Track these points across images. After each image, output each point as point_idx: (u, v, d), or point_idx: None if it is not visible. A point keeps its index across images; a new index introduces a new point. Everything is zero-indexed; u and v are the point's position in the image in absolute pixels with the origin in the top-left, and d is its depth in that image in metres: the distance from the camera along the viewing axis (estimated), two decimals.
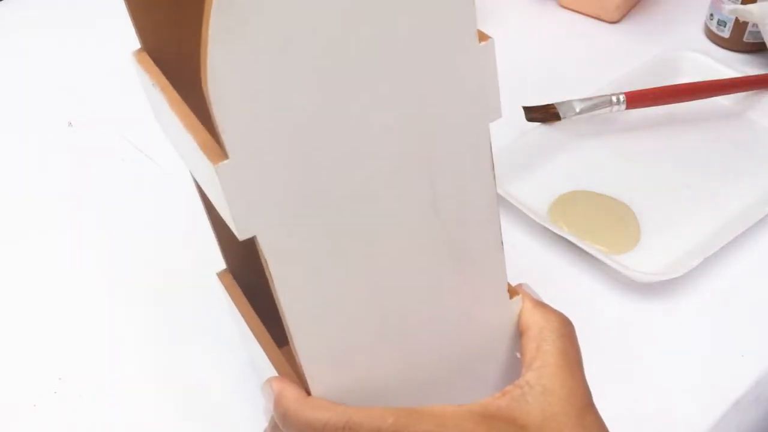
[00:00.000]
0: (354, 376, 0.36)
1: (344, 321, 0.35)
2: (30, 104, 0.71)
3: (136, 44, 0.42)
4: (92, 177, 0.63)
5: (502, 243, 0.37)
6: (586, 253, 0.55)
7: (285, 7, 0.27)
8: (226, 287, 0.45)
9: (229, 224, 0.31)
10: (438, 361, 0.38)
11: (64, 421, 0.48)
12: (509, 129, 0.64)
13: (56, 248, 0.58)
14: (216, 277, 0.45)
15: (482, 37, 0.32)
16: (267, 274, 0.32)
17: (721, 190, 0.61)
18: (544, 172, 0.63)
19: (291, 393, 0.35)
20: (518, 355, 0.39)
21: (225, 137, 0.29)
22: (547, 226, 0.56)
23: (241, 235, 0.31)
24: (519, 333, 0.39)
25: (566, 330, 0.37)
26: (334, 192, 0.32)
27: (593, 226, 0.59)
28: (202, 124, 0.31)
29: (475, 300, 0.38)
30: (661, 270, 0.54)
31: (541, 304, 0.39)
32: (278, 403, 0.35)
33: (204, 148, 0.30)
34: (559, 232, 0.55)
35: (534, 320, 0.38)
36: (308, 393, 0.35)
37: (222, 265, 0.45)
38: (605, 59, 0.74)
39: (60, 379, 0.50)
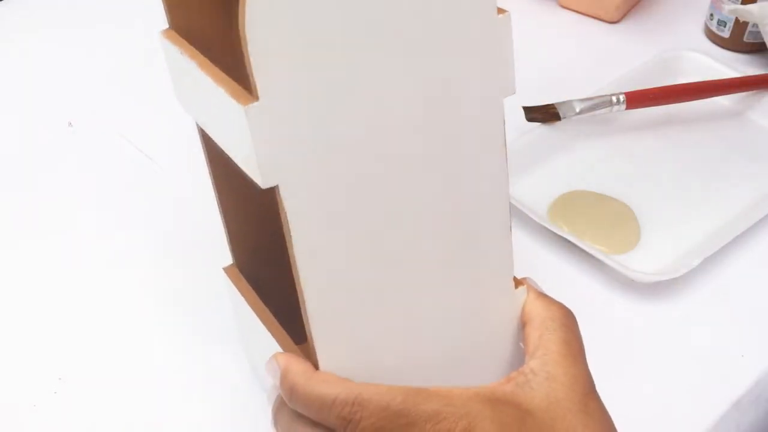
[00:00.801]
0: (362, 354, 0.36)
1: (355, 292, 0.35)
2: (30, 104, 0.71)
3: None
4: (92, 177, 0.63)
5: (510, 229, 0.38)
6: (586, 253, 0.55)
7: None
8: (234, 281, 0.45)
9: (252, 173, 0.32)
10: (443, 346, 0.38)
11: (64, 421, 0.48)
12: (509, 129, 0.64)
13: (56, 248, 0.58)
14: (221, 273, 0.45)
15: (500, 10, 0.33)
16: (284, 230, 0.33)
17: (721, 190, 0.61)
18: (544, 172, 0.63)
19: (298, 367, 0.35)
20: (521, 344, 0.40)
21: (257, 76, 0.30)
22: (547, 226, 0.56)
23: (265, 182, 0.31)
24: (522, 323, 0.39)
25: (568, 320, 0.38)
26: (356, 156, 0.33)
27: (593, 226, 0.59)
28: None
29: (482, 286, 0.38)
30: (661, 270, 0.54)
31: (543, 296, 0.39)
32: (285, 378, 0.35)
33: (234, 94, 0.31)
34: (559, 232, 0.55)
35: (537, 311, 0.38)
36: (316, 368, 0.35)
37: (223, 263, 0.45)
38: (605, 59, 0.74)
39: (60, 379, 0.50)
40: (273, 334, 0.40)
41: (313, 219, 0.33)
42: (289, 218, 0.32)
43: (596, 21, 0.80)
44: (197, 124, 0.40)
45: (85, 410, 0.48)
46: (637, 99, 0.65)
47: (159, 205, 0.61)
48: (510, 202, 0.39)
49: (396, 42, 0.31)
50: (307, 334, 0.35)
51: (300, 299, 0.34)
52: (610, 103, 0.64)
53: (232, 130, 0.32)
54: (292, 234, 0.32)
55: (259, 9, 0.28)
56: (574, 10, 0.81)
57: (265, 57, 0.29)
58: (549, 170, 0.63)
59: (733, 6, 0.70)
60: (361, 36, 0.31)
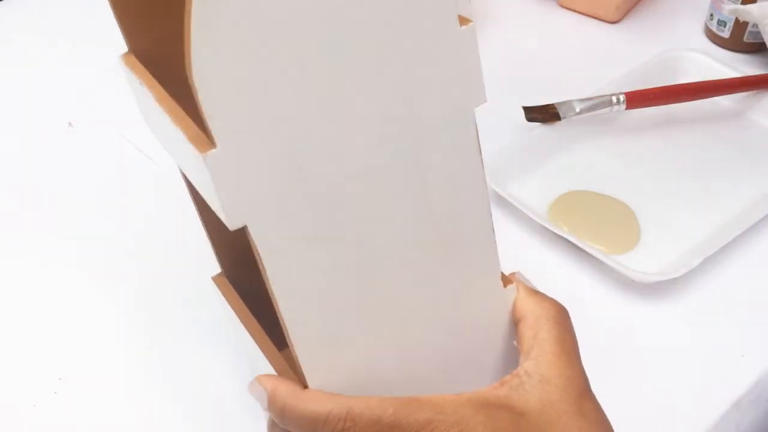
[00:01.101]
0: (350, 369, 0.36)
1: (338, 311, 0.35)
2: (30, 104, 0.71)
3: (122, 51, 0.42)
4: (92, 177, 0.63)
5: (493, 230, 0.37)
6: (586, 253, 0.55)
7: None
8: (222, 290, 0.45)
9: (219, 215, 0.32)
10: (434, 352, 0.38)
11: (64, 421, 0.48)
12: (509, 129, 0.64)
13: (56, 248, 0.58)
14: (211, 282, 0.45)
15: (463, 21, 0.32)
16: (259, 265, 0.32)
17: (721, 190, 0.61)
18: (544, 172, 0.63)
19: (285, 388, 0.35)
20: (515, 343, 0.39)
21: (211, 124, 0.29)
22: (547, 226, 0.56)
23: (232, 225, 0.31)
24: (514, 321, 0.39)
25: (562, 317, 0.38)
26: (322, 181, 0.32)
27: (593, 226, 0.59)
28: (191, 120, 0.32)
29: (469, 288, 0.38)
30: (661, 270, 0.54)
31: (535, 292, 0.39)
32: (273, 400, 0.35)
33: (192, 139, 0.30)
34: (559, 232, 0.55)
35: (529, 308, 0.38)
36: (305, 387, 0.35)
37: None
38: (605, 59, 0.74)
39: (60, 379, 0.50)
40: (259, 345, 0.40)
41: (286, 251, 0.32)
42: (261, 255, 0.32)
43: (596, 21, 0.80)
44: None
45: (85, 410, 0.48)
46: (637, 99, 0.65)
47: (159, 205, 0.61)
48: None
49: (356, 63, 0.31)
50: (293, 355, 0.35)
51: (281, 323, 0.34)
52: (610, 103, 0.64)
53: (195, 169, 0.32)
54: (266, 270, 0.32)
55: (207, 56, 0.27)
56: (574, 10, 0.81)
57: (218, 103, 0.28)
58: (549, 170, 0.63)
59: (733, 6, 0.70)
60: (320, 64, 0.30)
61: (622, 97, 0.64)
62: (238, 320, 0.42)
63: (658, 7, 0.82)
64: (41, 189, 0.63)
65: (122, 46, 0.37)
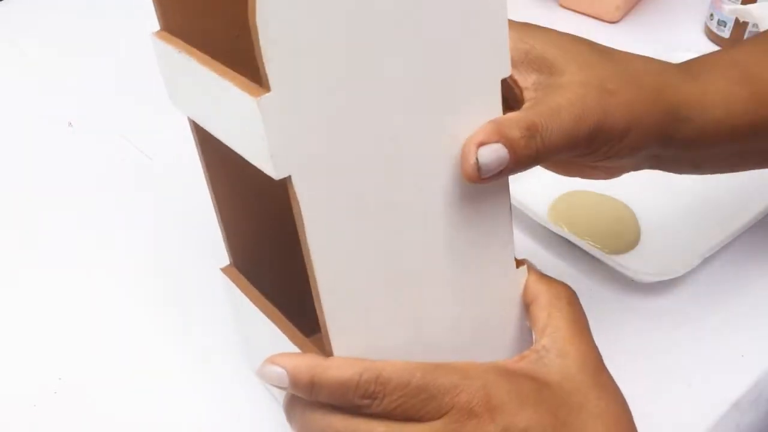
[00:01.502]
0: (373, 339, 0.37)
1: (367, 276, 0.35)
2: (30, 104, 0.71)
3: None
4: (92, 177, 0.63)
5: (510, 209, 0.39)
6: (586, 253, 0.55)
7: None
8: (234, 281, 0.45)
9: (264, 165, 0.32)
10: (451, 328, 0.39)
11: (64, 421, 0.48)
12: None
13: (56, 248, 0.58)
14: (219, 273, 0.45)
15: None
16: (298, 222, 0.33)
17: (721, 190, 0.61)
18: (544, 172, 0.62)
19: (307, 361, 0.35)
20: (527, 323, 0.41)
21: (269, 67, 0.30)
22: (547, 226, 0.56)
23: (278, 173, 0.32)
24: (526, 303, 0.40)
25: (573, 298, 0.39)
26: (361, 139, 0.33)
27: (593, 226, 0.59)
28: None
29: (487, 265, 0.39)
30: (661, 270, 0.54)
31: (545, 276, 0.40)
32: (298, 375, 0.35)
33: (243, 87, 0.31)
34: (559, 232, 0.55)
35: (541, 290, 0.39)
36: (329, 355, 0.36)
37: (223, 263, 0.45)
38: None
39: (60, 379, 0.50)
40: (281, 329, 0.40)
41: (325, 208, 0.33)
42: (302, 208, 0.32)
43: (596, 21, 0.80)
44: (192, 125, 0.39)
45: (85, 410, 0.48)
46: None
47: (159, 205, 0.61)
48: (510, 202, 0.39)
49: (399, 26, 0.32)
50: (321, 321, 0.35)
51: (312, 287, 0.34)
52: None
53: (241, 124, 0.32)
54: (305, 224, 0.33)
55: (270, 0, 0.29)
56: (575, 10, 0.81)
57: (275, 45, 0.29)
58: (549, 170, 0.63)
59: (733, 6, 0.70)
60: (368, 22, 0.31)
61: None
62: (254, 307, 0.42)
63: (658, 7, 0.82)
64: (41, 189, 0.63)
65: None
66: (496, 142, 0.35)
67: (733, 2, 0.72)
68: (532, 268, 0.40)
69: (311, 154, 0.32)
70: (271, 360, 0.36)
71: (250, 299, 0.43)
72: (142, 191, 0.63)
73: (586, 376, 0.37)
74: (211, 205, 0.43)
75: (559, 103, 0.38)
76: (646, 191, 0.61)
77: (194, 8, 0.38)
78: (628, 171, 0.45)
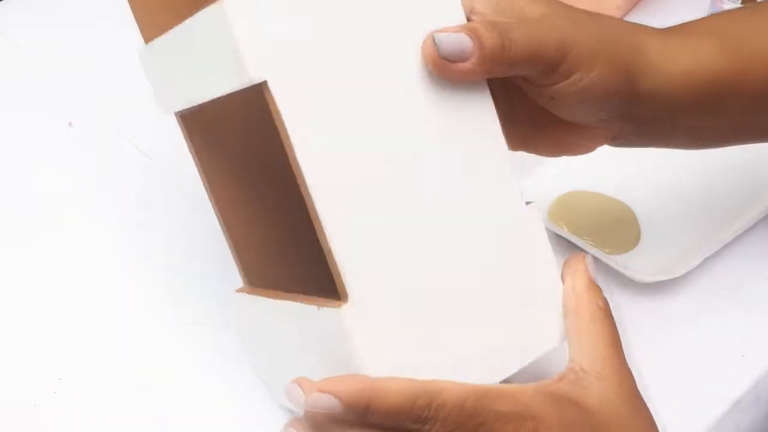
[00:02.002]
0: (392, 292, 0.37)
1: (371, 210, 0.37)
2: (30, 104, 0.71)
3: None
4: (92, 177, 0.63)
5: (501, 135, 0.41)
6: (586, 253, 0.54)
7: None
8: (254, 294, 0.44)
9: (237, 69, 0.33)
10: (467, 278, 0.39)
11: (64, 421, 0.48)
12: None
13: (56, 248, 0.58)
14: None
15: None
16: (287, 147, 0.34)
17: (720, 190, 0.61)
18: (544, 172, 0.62)
19: (359, 385, 0.34)
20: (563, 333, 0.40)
21: None
22: (547, 226, 0.56)
23: (254, 75, 0.33)
24: (566, 310, 0.40)
25: (609, 313, 0.39)
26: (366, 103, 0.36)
27: (593, 226, 0.59)
28: None
29: (489, 200, 0.41)
30: (661, 270, 0.54)
31: (593, 286, 0.40)
32: (354, 401, 0.34)
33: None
34: (559, 232, 0.55)
35: (586, 302, 0.39)
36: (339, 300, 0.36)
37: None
38: None
39: (60, 379, 0.50)
40: (314, 303, 0.40)
41: (313, 118, 0.35)
42: (284, 118, 0.34)
43: None
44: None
45: (85, 410, 0.48)
46: None
47: (159, 205, 0.61)
48: (499, 127, 0.42)
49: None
50: (333, 269, 0.36)
51: (318, 230, 0.35)
52: None
53: (217, 31, 0.34)
54: (293, 143, 0.34)
55: None
56: None
57: None
58: (549, 170, 0.63)
59: (733, 5, 0.70)
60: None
61: None
62: (278, 300, 0.42)
63: (658, 6, 0.82)
64: (41, 189, 0.63)
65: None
66: (458, 32, 0.38)
67: (733, 2, 0.72)
68: (583, 273, 0.40)
69: (289, 59, 0.34)
70: (321, 388, 0.35)
71: (274, 298, 0.42)
72: (143, 191, 0.63)
73: (624, 401, 0.37)
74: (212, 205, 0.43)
75: (527, 14, 0.39)
76: (646, 191, 0.61)
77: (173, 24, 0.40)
78: (607, 135, 0.45)
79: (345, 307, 0.35)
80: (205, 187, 0.44)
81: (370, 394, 0.34)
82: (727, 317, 0.52)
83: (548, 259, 0.41)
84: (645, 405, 0.38)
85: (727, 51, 0.43)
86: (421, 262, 0.38)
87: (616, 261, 0.53)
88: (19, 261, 0.57)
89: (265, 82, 0.33)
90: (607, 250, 0.56)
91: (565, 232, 0.55)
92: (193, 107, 0.41)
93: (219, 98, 0.38)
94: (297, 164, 0.34)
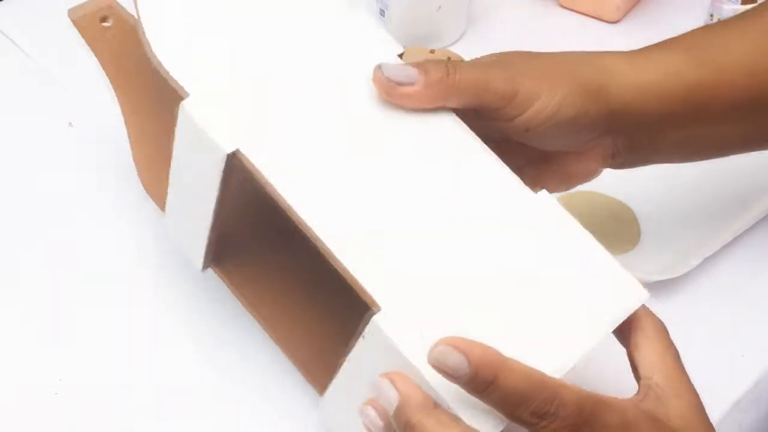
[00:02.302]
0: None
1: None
2: (30, 104, 0.71)
3: None
4: (92, 177, 0.63)
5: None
6: None
7: None
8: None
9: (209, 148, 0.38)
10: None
11: (64, 421, 0.48)
12: None
13: (56, 248, 0.58)
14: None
15: None
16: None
17: (720, 190, 0.61)
18: None
19: (491, 355, 0.33)
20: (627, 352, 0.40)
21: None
22: None
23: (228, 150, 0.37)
24: (630, 329, 0.39)
25: (669, 335, 0.39)
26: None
27: (593, 226, 0.58)
28: None
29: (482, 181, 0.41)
30: (661, 270, 0.54)
31: (645, 306, 0.40)
32: (484, 368, 0.32)
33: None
34: None
35: (650, 319, 0.39)
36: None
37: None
38: None
39: (60, 379, 0.50)
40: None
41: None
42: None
43: (596, 21, 0.80)
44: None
45: (85, 410, 0.48)
46: None
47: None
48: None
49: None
50: (356, 288, 0.36)
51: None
52: None
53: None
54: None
55: None
56: (575, 10, 0.81)
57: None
58: None
59: (732, 6, 0.70)
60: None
61: None
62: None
63: (658, 7, 0.81)
64: (41, 189, 0.63)
65: None
66: (404, 65, 0.40)
67: (732, 2, 0.72)
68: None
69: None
70: (453, 343, 0.33)
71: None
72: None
73: (700, 421, 0.37)
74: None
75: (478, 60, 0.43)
76: (646, 191, 0.61)
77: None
78: (606, 155, 0.46)
79: (380, 314, 0.35)
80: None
81: (499, 367, 0.32)
82: (727, 317, 0.53)
83: (580, 237, 0.41)
84: (712, 425, 0.38)
85: (699, 62, 0.44)
86: (437, 261, 0.37)
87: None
88: (19, 261, 0.57)
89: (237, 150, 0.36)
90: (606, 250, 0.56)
91: None
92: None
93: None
94: (293, 212, 0.36)
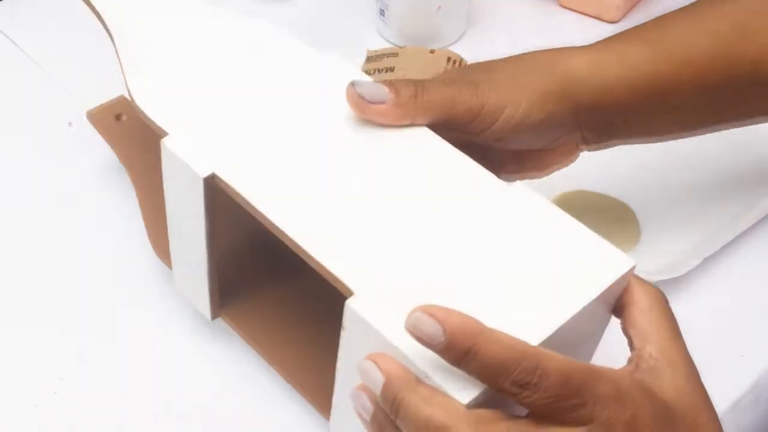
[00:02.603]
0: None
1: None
2: (30, 104, 0.71)
3: None
4: (92, 177, 0.63)
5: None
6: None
7: None
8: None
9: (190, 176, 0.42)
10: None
11: (64, 421, 0.48)
12: None
13: (56, 248, 0.58)
14: None
15: None
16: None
17: (721, 190, 0.61)
18: None
19: (470, 323, 0.32)
20: (623, 326, 0.39)
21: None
22: None
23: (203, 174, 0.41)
24: (623, 304, 0.39)
25: (667, 303, 0.39)
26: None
27: (593, 226, 0.58)
28: None
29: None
30: (661, 270, 0.54)
31: (640, 278, 0.40)
32: (460, 336, 0.31)
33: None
34: None
35: (639, 292, 0.39)
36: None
37: None
38: None
39: (60, 379, 0.50)
40: None
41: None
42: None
43: (597, 21, 0.80)
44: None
45: (85, 410, 0.48)
46: None
47: None
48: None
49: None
50: (331, 280, 0.37)
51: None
52: None
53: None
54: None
55: None
56: (575, 10, 0.81)
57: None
58: None
59: None
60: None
61: None
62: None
63: (658, 7, 0.81)
64: (41, 189, 0.63)
65: None
66: (377, 83, 0.42)
67: None
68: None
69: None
70: (428, 311, 0.32)
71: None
72: None
73: (696, 392, 0.36)
74: None
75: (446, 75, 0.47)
76: (646, 191, 0.61)
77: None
78: (577, 143, 0.49)
79: (352, 298, 0.36)
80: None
81: (476, 336, 0.32)
82: (727, 317, 0.53)
83: (559, 217, 0.41)
84: (708, 395, 0.37)
85: (661, 56, 0.47)
86: (411, 250, 0.38)
87: None
88: (19, 261, 0.57)
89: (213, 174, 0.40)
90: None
91: None
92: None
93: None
94: (266, 219, 0.39)
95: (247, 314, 0.48)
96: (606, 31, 0.78)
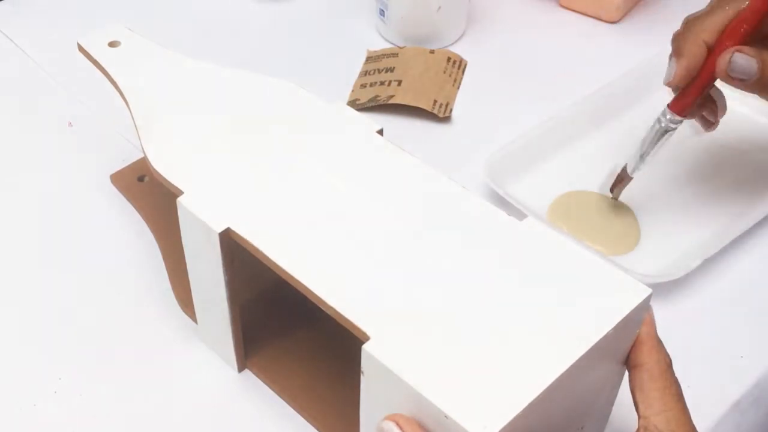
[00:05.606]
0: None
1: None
2: (30, 104, 0.71)
3: None
4: (92, 177, 0.63)
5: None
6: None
7: None
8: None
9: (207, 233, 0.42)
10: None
11: (64, 421, 0.48)
12: (509, 129, 0.64)
13: (56, 248, 0.58)
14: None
15: None
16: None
17: (721, 191, 0.61)
18: (544, 172, 0.63)
19: None
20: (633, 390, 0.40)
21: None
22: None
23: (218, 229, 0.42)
24: (632, 364, 0.40)
25: (672, 367, 0.39)
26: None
27: (593, 226, 0.59)
28: None
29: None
30: (660, 271, 0.54)
31: (657, 340, 0.40)
32: None
33: None
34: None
35: (654, 358, 0.39)
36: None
37: None
38: (605, 59, 0.74)
39: (60, 379, 0.50)
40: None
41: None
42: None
43: (596, 21, 0.80)
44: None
45: (85, 410, 0.48)
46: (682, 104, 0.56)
47: None
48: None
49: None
50: (347, 325, 0.38)
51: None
52: (660, 123, 0.56)
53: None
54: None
55: None
56: (575, 10, 0.81)
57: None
58: (549, 170, 0.63)
59: None
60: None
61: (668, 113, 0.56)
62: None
63: (658, 7, 0.82)
64: (41, 189, 0.63)
65: None
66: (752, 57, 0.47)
67: None
68: (648, 325, 0.40)
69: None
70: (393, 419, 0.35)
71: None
72: None
73: None
74: None
75: None
76: (647, 192, 0.61)
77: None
78: None
79: (369, 342, 0.36)
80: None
81: None
82: (727, 318, 0.53)
83: (573, 250, 0.40)
84: None
85: None
86: (424, 292, 0.38)
87: (615, 261, 0.53)
88: (19, 261, 0.57)
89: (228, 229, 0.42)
90: (607, 251, 0.56)
91: (565, 232, 0.55)
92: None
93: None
94: (282, 270, 0.40)
95: (272, 363, 0.49)
96: (606, 31, 0.79)
